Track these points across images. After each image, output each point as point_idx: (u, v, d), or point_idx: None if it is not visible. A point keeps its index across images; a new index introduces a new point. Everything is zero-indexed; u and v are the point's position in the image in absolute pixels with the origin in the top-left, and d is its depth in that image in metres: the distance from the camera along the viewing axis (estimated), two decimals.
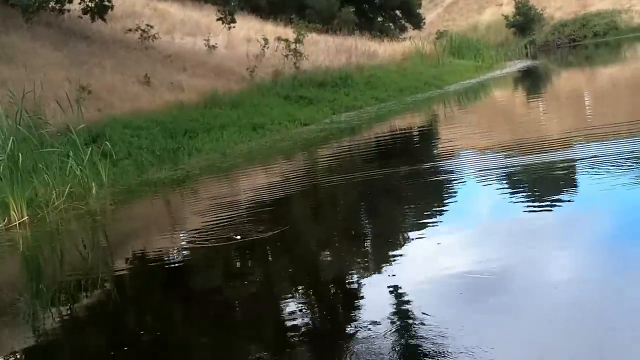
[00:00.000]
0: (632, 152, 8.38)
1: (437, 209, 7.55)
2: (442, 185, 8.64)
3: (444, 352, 3.83)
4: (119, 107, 15.49)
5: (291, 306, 5.04)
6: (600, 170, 7.72)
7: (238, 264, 6.57)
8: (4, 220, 8.85)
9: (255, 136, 15.66)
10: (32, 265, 7.68)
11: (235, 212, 8.54)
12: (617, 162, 7.93)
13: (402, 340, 4.12)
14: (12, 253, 8.17)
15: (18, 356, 4.76)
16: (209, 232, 7.34)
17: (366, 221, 7.66)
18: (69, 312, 5.72)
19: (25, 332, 5.27)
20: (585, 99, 17.81)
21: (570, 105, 17.00)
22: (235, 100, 17.66)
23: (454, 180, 8.79)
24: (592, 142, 9.85)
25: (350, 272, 5.78)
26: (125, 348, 4.77)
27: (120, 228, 9.09)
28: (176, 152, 13.34)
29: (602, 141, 9.72)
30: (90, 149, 10.96)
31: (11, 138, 9.34)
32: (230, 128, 15.55)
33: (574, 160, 8.66)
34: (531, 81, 28.31)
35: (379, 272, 5.63)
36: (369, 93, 22.53)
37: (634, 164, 7.77)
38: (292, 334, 4.52)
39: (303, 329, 4.59)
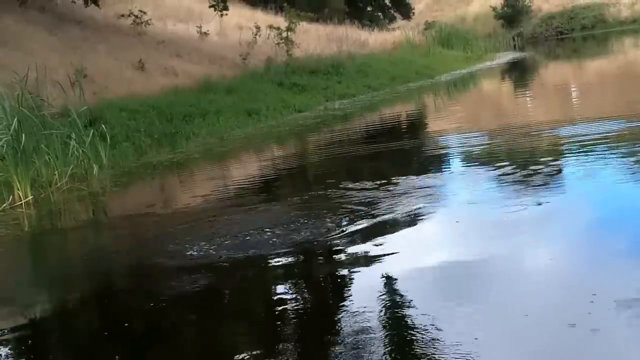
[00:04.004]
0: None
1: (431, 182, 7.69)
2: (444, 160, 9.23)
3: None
4: (114, 91, 15.47)
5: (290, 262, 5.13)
6: (583, 150, 8.15)
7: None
8: (9, 199, 8.85)
9: (250, 122, 15.70)
10: (37, 243, 7.68)
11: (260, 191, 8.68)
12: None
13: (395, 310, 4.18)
14: (17, 230, 8.16)
15: (16, 333, 4.71)
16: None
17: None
18: (73, 290, 5.64)
19: (25, 310, 5.23)
20: (572, 90, 18.21)
21: (558, 96, 17.29)
22: (229, 86, 17.69)
23: (454, 159, 9.23)
24: (577, 124, 10.46)
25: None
26: (126, 324, 4.73)
27: (125, 209, 9.11)
28: (174, 136, 13.39)
29: (586, 123, 10.27)
30: (92, 131, 10.96)
31: (15, 118, 9.33)
32: (226, 113, 15.56)
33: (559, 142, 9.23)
34: (521, 72, 28.54)
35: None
36: (361, 81, 22.58)
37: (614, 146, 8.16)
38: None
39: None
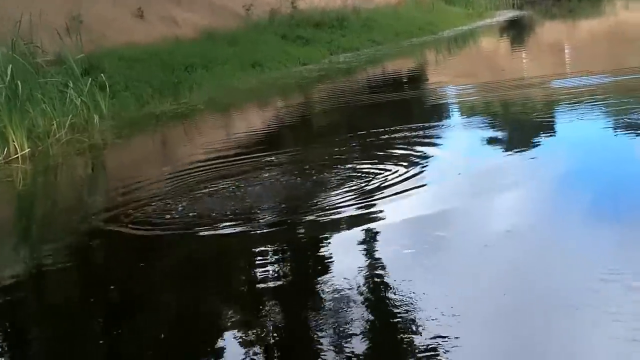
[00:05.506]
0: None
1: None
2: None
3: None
4: (112, 39, 14.72)
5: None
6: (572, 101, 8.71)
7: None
8: (4, 152, 8.15)
9: (254, 73, 15.16)
10: (27, 204, 6.98)
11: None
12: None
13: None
14: (10, 189, 7.41)
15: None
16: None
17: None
18: (65, 257, 5.01)
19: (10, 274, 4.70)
20: (566, 47, 18.83)
21: (552, 52, 17.67)
22: (232, 37, 17.02)
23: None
24: (568, 78, 11.28)
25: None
26: (112, 286, 4.29)
27: (127, 165, 8.45)
28: (177, 86, 12.76)
29: (577, 77, 10.87)
30: (89, 79, 10.27)
31: (10, 65, 8.59)
32: (229, 64, 14.96)
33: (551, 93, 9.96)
34: (519, 30, 28.50)
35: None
36: (365, 36, 21.97)
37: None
38: None
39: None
